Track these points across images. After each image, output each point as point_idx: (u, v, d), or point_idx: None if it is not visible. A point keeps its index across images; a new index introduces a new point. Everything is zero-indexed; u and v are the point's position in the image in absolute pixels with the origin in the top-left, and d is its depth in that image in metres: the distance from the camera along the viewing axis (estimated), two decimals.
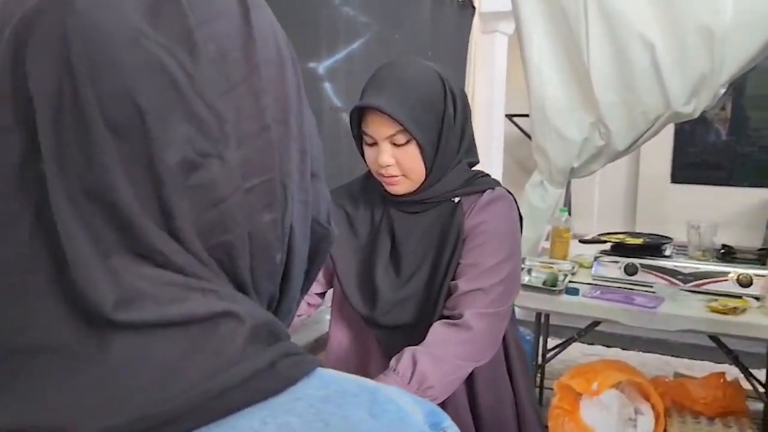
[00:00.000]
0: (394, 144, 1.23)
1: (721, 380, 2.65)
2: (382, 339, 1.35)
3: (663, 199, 5.05)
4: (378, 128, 1.23)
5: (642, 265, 2.56)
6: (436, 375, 1.14)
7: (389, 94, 1.21)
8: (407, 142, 1.23)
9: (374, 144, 1.25)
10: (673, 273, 2.52)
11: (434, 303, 1.30)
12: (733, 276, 2.43)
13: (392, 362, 1.19)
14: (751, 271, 2.42)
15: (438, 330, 1.21)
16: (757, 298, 2.35)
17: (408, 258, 1.32)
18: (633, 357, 3.63)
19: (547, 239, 3.08)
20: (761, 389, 2.52)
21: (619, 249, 2.71)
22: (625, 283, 2.57)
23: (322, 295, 1.51)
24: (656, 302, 2.39)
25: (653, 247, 2.68)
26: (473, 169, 1.38)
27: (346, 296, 1.36)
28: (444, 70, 1.32)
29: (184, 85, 0.36)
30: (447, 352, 1.18)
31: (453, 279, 1.28)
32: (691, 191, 5.01)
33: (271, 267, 0.41)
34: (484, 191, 1.34)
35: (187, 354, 0.34)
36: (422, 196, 1.31)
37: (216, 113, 0.37)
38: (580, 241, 2.94)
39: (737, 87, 5.41)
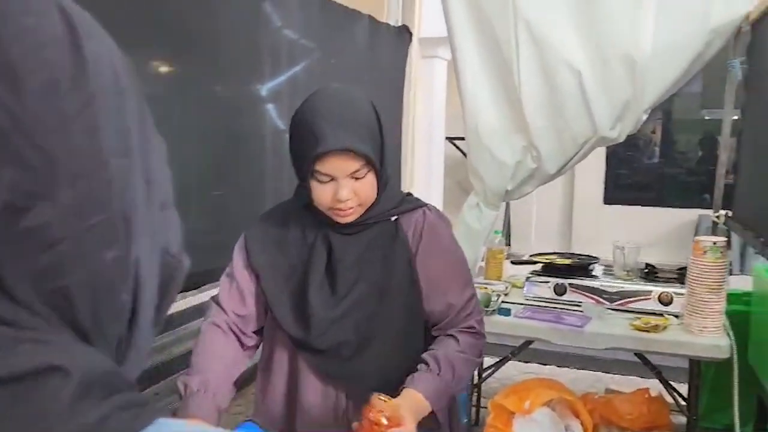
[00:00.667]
0: (355, 178, 1.25)
1: (646, 396, 2.75)
2: (315, 364, 1.34)
3: (596, 220, 5.23)
4: (340, 166, 1.23)
5: (571, 285, 2.64)
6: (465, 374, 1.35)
7: (351, 132, 1.21)
8: (367, 173, 1.26)
9: (330, 181, 1.25)
10: (599, 292, 2.60)
11: (373, 321, 1.31)
12: (655, 294, 2.53)
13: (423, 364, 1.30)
14: (671, 290, 2.52)
15: (460, 337, 1.35)
16: (677, 316, 2.45)
17: (344, 276, 1.32)
18: (567, 374, 3.72)
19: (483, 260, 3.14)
20: (683, 403, 2.62)
21: (550, 269, 2.78)
22: (554, 302, 2.64)
23: (260, 331, 1.46)
24: (584, 321, 2.47)
25: (581, 267, 2.77)
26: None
27: (278, 320, 1.35)
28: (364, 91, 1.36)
29: (5, 126, 0.33)
30: (472, 354, 1.36)
31: (420, 297, 1.34)
32: (623, 212, 5.20)
33: (117, 307, 0.39)
34: (418, 209, 1.39)
35: (5, 416, 0.32)
36: (363, 218, 1.33)
37: (45, 154, 0.35)
38: (512, 262, 3.01)
39: (665, 111, 5.67)
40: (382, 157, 1.28)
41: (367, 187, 1.27)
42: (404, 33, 3.04)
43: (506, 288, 2.81)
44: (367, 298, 1.31)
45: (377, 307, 1.31)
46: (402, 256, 1.33)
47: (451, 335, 1.36)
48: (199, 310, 3.23)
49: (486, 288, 2.77)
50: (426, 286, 1.35)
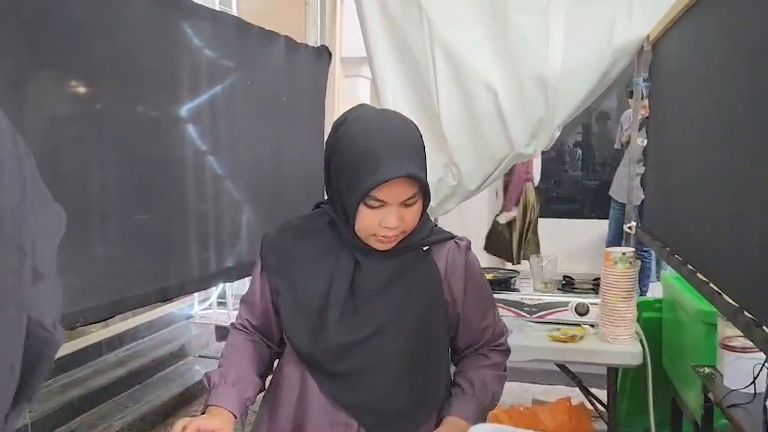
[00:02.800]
0: (406, 205, 1.22)
1: (568, 405, 2.82)
2: (327, 387, 1.28)
3: None
4: (397, 193, 1.19)
5: None
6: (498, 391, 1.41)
7: (411, 158, 1.19)
8: (416, 200, 1.23)
9: (381, 207, 1.21)
10: (520, 305, 2.66)
11: (391, 349, 1.27)
12: (572, 305, 2.61)
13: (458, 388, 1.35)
14: (587, 300, 2.61)
15: (490, 355, 1.41)
16: (592, 325, 2.54)
17: (368, 300, 1.27)
18: None
19: None
20: (603, 410, 2.70)
21: None
22: None
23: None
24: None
25: (503, 281, 2.83)
26: None
27: (291, 339, 1.31)
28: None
29: None
30: (501, 370, 1.43)
31: (445, 329, 1.35)
32: (548, 225, 5.35)
33: None
34: (448, 240, 1.36)
35: None
36: (398, 245, 1.28)
37: None
38: None
39: (585, 126, 5.89)
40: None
41: (414, 214, 1.24)
42: (324, 53, 3.06)
43: None
44: (390, 325, 1.26)
45: (398, 335, 1.27)
46: (432, 286, 1.30)
47: (482, 353, 1.40)
48: (121, 340, 3.12)
49: None
50: (462, 318, 1.35)
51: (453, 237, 1.38)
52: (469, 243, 1.40)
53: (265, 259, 1.36)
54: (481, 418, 1.32)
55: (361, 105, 1.32)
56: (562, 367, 2.69)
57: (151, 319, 3.00)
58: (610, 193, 5.06)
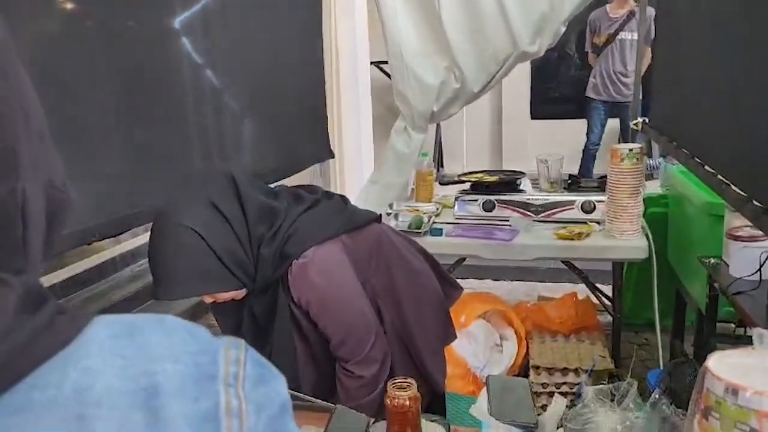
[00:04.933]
0: None
1: (574, 300, 2.90)
2: None
3: (524, 136, 5.32)
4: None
5: (498, 201, 2.70)
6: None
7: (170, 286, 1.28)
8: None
9: None
10: (526, 206, 2.68)
11: None
12: (578, 204, 2.62)
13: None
14: (593, 198, 2.62)
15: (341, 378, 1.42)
16: (599, 222, 2.56)
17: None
18: (502, 286, 3.87)
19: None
20: (608, 303, 2.78)
21: (478, 187, 2.84)
22: (484, 219, 2.71)
23: None
24: (512, 235, 2.55)
25: (508, 183, 2.84)
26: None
27: None
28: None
29: None
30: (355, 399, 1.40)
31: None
32: (550, 126, 5.30)
33: (15, 240, 0.40)
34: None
35: None
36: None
37: None
38: (441, 183, 3.06)
39: (583, 21, 5.70)
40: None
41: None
42: None
43: (437, 209, 2.86)
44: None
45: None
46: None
47: (339, 377, 1.41)
48: (134, 255, 3.18)
49: (417, 210, 2.81)
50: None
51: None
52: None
53: None
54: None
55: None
56: (568, 264, 2.74)
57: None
58: (587, 94, 4.98)
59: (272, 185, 1.50)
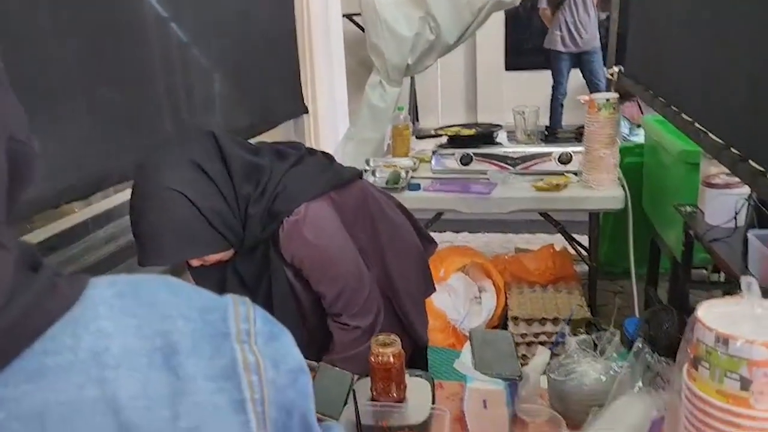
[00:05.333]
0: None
1: (551, 251, 2.92)
2: None
3: (499, 88, 5.28)
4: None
5: (476, 154, 2.69)
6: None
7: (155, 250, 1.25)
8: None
9: None
10: (503, 158, 2.67)
11: None
12: (555, 155, 2.62)
13: None
14: (570, 149, 2.62)
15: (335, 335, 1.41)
16: (576, 173, 2.57)
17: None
18: (479, 239, 3.89)
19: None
20: (585, 253, 2.80)
21: (455, 141, 2.81)
22: (461, 173, 2.69)
23: None
24: (490, 188, 2.54)
25: (485, 135, 2.81)
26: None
27: None
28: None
29: None
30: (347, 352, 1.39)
31: None
32: (525, 77, 5.26)
33: None
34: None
35: None
36: None
37: None
38: (417, 137, 3.03)
39: None
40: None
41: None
42: None
43: (414, 164, 2.84)
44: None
45: None
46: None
47: (335, 331, 1.40)
48: (107, 216, 3.12)
49: (394, 166, 2.79)
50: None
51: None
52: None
53: None
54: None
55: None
56: (545, 215, 2.75)
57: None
58: (552, 47, 4.92)
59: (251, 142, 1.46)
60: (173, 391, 0.37)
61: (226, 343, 0.40)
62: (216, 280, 1.37)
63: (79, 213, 2.66)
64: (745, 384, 0.61)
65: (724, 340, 0.62)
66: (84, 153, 1.85)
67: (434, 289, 1.66)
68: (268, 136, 2.83)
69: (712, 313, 0.67)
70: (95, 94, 1.95)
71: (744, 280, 0.68)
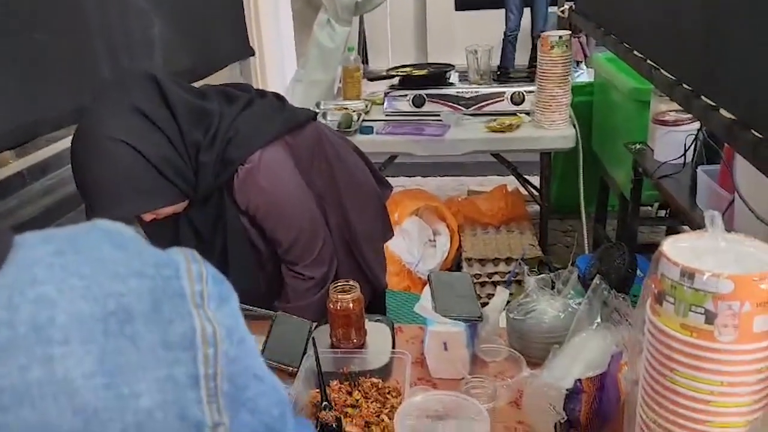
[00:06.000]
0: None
1: (504, 192, 2.94)
2: None
3: (450, 27, 5.19)
4: None
5: (428, 96, 2.65)
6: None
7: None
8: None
9: None
10: (456, 99, 2.63)
11: None
12: (508, 95, 2.60)
13: None
14: (522, 89, 2.60)
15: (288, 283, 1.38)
16: (528, 113, 2.56)
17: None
18: (432, 182, 3.89)
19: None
20: (536, 193, 2.83)
21: (407, 82, 2.76)
22: (414, 115, 2.65)
23: None
24: (443, 130, 2.51)
25: (437, 76, 2.77)
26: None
27: None
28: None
29: None
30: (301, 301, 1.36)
31: None
32: (474, 17, 5.18)
33: None
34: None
35: None
36: None
37: None
38: (369, 79, 2.96)
39: None
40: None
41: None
42: None
43: (366, 106, 2.78)
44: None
45: None
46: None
47: (288, 281, 1.36)
48: (43, 168, 2.97)
49: (346, 108, 2.72)
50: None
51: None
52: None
53: None
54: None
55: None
56: (497, 156, 2.75)
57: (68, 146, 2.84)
58: None
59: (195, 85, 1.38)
60: (131, 365, 0.33)
61: (183, 306, 0.36)
62: (169, 233, 1.31)
63: (14, 164, 2.53)
64: (710, 317, 0.61)
65: (689, 275, 0.62)
66: (14, 100, 1.73)
67: (392, 234, 1.65)
68: (213, 80, 2.72)
69: (677, 248, 0.67)
70: (26, 37, 1.82)
71: (708, 214, 0.68)
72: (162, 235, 1.31)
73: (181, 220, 1.29)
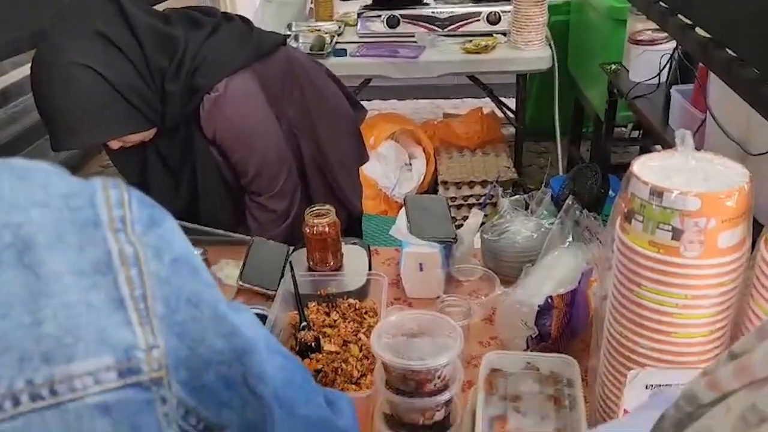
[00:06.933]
0: None
1: (480, 114, 2.92)
2: None
3: None
4: None
5: (403, 16, 2.58)
6: None
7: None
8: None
9: None
10: (431, 20, 2.57)
11: None
12: (484, 15, 2.54)
13: None
14: (499, 9, 2.55)
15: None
16: (504, 34, 2.52)
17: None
18: (408, 105, 3.85)
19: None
20: (512, 116, 2.82)
21: (381, 2, 2.67)
22: (388, 36, 2.59)
23: None
24: (418, 52, 2.47)
25: None
26: None
27: None
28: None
29: None
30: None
31: None
32: None
33: None
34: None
35: None
36: None
37: None
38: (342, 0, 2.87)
39: None
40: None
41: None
42: None
43: (339, 28, 2.70)
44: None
45: None
46: None
47: (250, 210, 1.37)
48: (5, 95, 2.86)
49: (318, 30, 2.65)
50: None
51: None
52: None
53: None
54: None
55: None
56: (473, 78, 2.72)
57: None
58: None
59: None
60: (32, 293, 0.31)
61: (97, 233, 0.34)
62: (137, 163, 1.29)
63: None
64: (677, 234, 0.63)
65: (658, 193, 0.63)
66: None
67: (367, 158, 1.64)
68: (178, 3, 2.61)
69: (647, 167, 0.68)
70: None
71: (678, 133, 0.69)
72: (130, 165, 1.29)
73: (148, 149, 1.27)
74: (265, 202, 1.34)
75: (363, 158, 1.60)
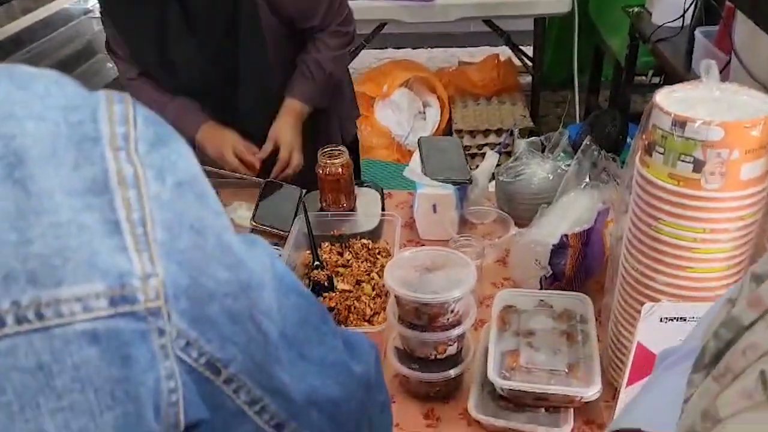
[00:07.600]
0: None
1: (496, 61, 2.86)
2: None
3: None
4: None
5: None
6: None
7: None
8: None
9: None
10: None
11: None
12: None
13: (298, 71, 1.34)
14: None
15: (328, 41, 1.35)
16: None
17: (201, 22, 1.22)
18: (422, 54, 3.77)
19: None
20: (530, 63, 2.76)
21: None
22: None
23: None
24: None
25: None
26: None
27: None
28: None
29: None
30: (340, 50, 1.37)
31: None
32: None
33: None
34: None
35: None
36: None
37: None
38: None
39: None
40: None
41: None
42: None
43: None
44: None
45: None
46: None
47: (319, 38, 1.33)
48: (15, 42, 2.85)
49: None
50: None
51: None
52: None
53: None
54: (317, 98, 1.34)
55: None
56: (490, 24, 2.66)
57: (43, 17, 2.69)
58: None
59: None
60: (21, 210, 0.30)
61: (95, 150, 0.32)
62: (154, 15, 1.20)
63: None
64: (698, 166, 0.61)
65: (681, 124, 0.61)
66: None
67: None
68: None
69: (670, 98, 0.66)
70: None
71: (704, 63, 0.66)
72: (143, 17, 1.21)
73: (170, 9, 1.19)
74: (339, 27, 1.34)
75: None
